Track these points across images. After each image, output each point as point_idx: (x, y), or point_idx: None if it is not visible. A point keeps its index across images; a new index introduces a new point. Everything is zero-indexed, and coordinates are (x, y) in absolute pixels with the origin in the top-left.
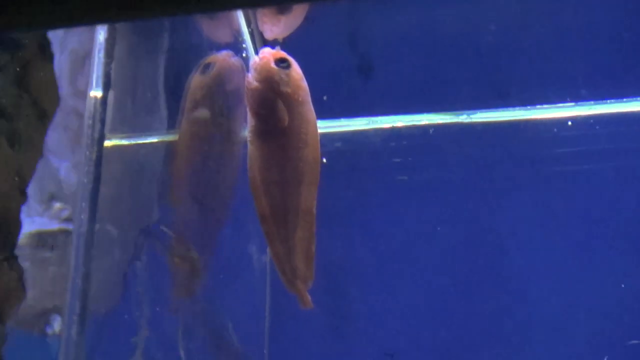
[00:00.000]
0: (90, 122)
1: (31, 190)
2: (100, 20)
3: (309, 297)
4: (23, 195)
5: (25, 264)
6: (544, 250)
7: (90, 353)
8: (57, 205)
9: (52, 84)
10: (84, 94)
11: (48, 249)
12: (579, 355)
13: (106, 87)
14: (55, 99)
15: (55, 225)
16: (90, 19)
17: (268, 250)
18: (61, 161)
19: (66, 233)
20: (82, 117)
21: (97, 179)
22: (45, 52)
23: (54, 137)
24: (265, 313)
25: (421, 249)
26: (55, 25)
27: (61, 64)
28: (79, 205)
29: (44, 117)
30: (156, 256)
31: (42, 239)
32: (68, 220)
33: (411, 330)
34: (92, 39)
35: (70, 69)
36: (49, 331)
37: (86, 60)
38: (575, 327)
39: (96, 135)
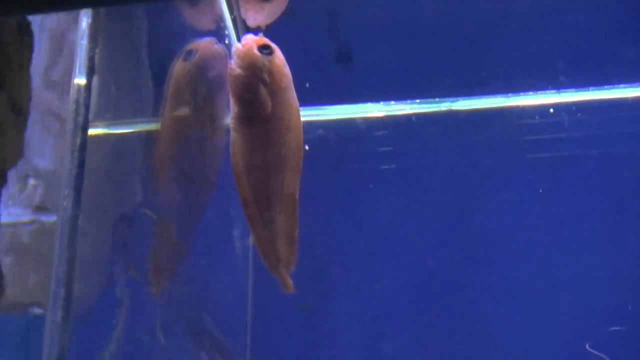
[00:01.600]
0: (74, 108)
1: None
2: (84, 5)
3: (291, 281)
4: (3, 178)
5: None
6: (527, 236)
7: (75, 338)
8: (32, 182)
9: (25, 79)
10: (57, 84)
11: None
12: (562, 341)
13: (90, 73)
14: (28, 93)
15: (28, 216)
16: (73, 3)
17: (251, 235)
18: (39, 147)
19: (40, 223)
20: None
21: (81, 166)
22: (22, 45)
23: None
24: (248, 297)
25: (404, 236)
26: (35, 10)
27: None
28: (63, 191)
29: (19, 112)
30: (139, 242)
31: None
32: (41, 208)
33: (394, 314)
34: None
35: (46, 57)
36: (30, 311)
37: (63, 48)
38: (558, 313)
39: (80, 121)
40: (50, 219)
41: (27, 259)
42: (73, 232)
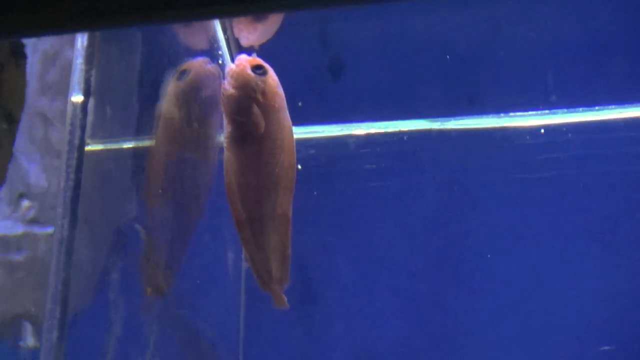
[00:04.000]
0: (70, 128)
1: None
2: (77, 29)
3: (284, 297)
4: None
5: None
6: (517, 256)
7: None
8: (25, 203)
9: (20, 86)
10: (52, 96)
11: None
12: None
13: (86, 93)
14: (22, 101)
15: (20, 229)
16: (68, 27)
17: (244, 253)
18: (30, 163)
19: (32, 235)
20: (47, 119)
21: (77, 185)
22: (17, 56)
23: (22, 139)
24: (240, 316)
25: (395, 255)
26: (28, 34)
27: (31, 65)
28: (59, 210)
29: (11, 120)
30: (130, 258)
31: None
32: (33, 221)
33: (386, 333)
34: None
35: (39, 70)
36: (22, 344)
37: (56, 61)
38: (548, 333)
39: (76, 141)
40: (44, 230)
41: (19, 274)
42: (69, 253)
